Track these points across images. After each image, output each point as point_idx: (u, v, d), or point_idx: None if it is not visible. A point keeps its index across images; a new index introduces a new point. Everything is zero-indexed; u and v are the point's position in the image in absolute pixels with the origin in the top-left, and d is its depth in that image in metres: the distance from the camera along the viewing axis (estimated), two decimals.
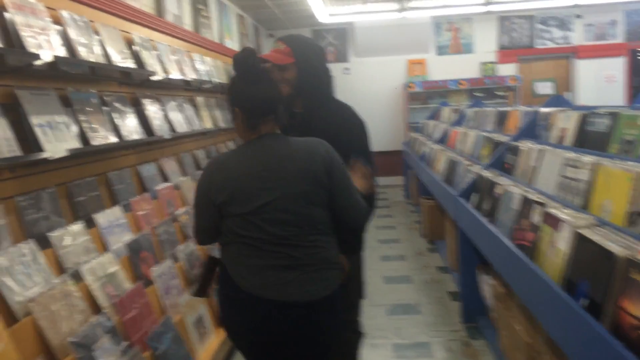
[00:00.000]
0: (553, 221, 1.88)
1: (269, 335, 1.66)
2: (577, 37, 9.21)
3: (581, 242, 1.64)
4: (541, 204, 2.06)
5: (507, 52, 9.32)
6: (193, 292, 2.01)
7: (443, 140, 5.42)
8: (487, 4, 8.14)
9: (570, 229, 1.72)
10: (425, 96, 9.33)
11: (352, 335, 2.28)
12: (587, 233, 1.62)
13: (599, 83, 9.16)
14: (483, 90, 9.12)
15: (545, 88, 9.42)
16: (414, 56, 9.38)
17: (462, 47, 9.39)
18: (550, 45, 9.27)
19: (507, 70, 9.30)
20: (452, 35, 9.37)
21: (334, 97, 2.18)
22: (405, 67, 9.38)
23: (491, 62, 9.35)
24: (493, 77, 9.09)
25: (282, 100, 1.79)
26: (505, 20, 9.27)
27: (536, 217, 2.06)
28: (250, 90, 1.72)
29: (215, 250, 1.88)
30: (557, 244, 1.81)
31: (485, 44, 9.37)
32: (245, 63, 1.72)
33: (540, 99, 9.04)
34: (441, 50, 9.44)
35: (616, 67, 9.15)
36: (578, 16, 9.12)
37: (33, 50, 2.15)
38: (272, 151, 1.70)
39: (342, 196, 1.74)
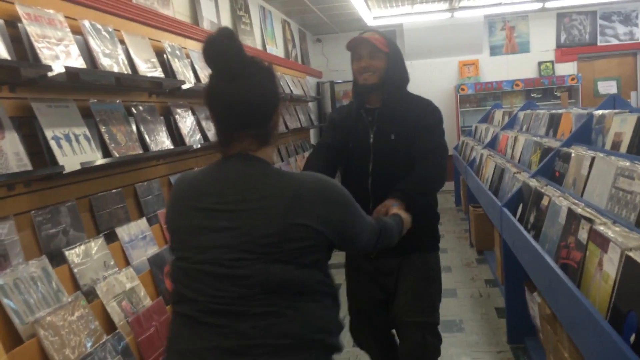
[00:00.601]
0: (601, 240, 1.64)
1: None
2: None
3: (631, 267, 1.41)
4: (588, 219, 1.82)
5: (566, 50, 8.82)
6: None
7: (493, 145, 5.13)
8: (543, 0, 7.73)
9: (619, 250, 1.49)
10: (478, 98, 8.97)
11: (436, 341, 2.17)
12: (637, 256, 1.39)
13: None
14: (540, 90, 8.68)
15: (608, 87, 8.86)
16: (466, 57, 9.03)
17: (517, 47, 8.96)
18: (614, 41, 8.71)
19: (567, 69, 8.81)
20: (506, 34, 8.97)
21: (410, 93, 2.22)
22: (457, 69, 9.05)
23: (549, 62, 8.88)
24: (551, 76, 8.63)
25: (274, 108, 1.30)
26: (564, 17, 8.78)
27: (583, 234, 1.82)
28: (223, 89, 1.24)
29: None
30: (606, 267, 1.57)
31: (543, 43, 8.91)
32: (219, 49, 1.23)
33: (603, 99, 8.51)
34: (495, 51, 9.05)
35: None
36: None
37: (48, 61, 2.11)
38: (236, 178, 1.23)
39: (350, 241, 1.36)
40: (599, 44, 8.75)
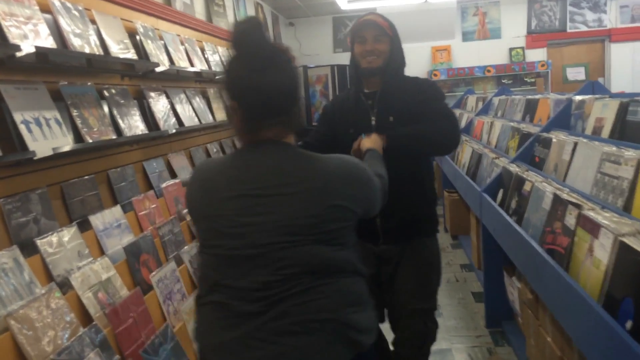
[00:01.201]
0: (591, 226, 1.64)
1: None
2: (612, 19, 8.76)
3: (625, 253, 1.40)
4: (577, 205, 1.81)
5: (536, 36, 8.92)
6: None
7: (468, 130, 5.15)
8: None
9: (612, 237, 1.48)
10: (450, 84, 9.01)
11: (434, 326, 2.17)
12: (632, 243, 1.38)
13: (634, 68, 8.71)
14: (511, 76, 8.77)
15: (577, 74, 9.01)
16: (439, 43, 9.05)
17: (489, 33, 9.02)
18: (583, 28, 8.84)
19: (537, 55, 8.91)
20: (478, 20, 9.01)
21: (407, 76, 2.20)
22: (430, 54, 9.06)
23: (520, 48, 8.97)
24: (522, 63, 8.72)
25: (299, 96, 1.33)
26: (534, 2, 8.87)
27: (571, 219, 1.82)
28: (253, 79, 1.24)
29: None
30: (596, 253, 1.57)
31: (514, 29, 8.99)
32: (249, 38, 1.25)
33: (571, 85, 8.66)
34: (467, 36, 9.09)
35: None
36: None
37: (16, 41, 1.99)
38: (272, 164, 1.26)
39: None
40: (568, 30, 8.88)
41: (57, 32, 2.32)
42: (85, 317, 2.04)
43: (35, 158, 2.00)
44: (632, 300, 1.31)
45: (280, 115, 1.28)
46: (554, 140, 2.59)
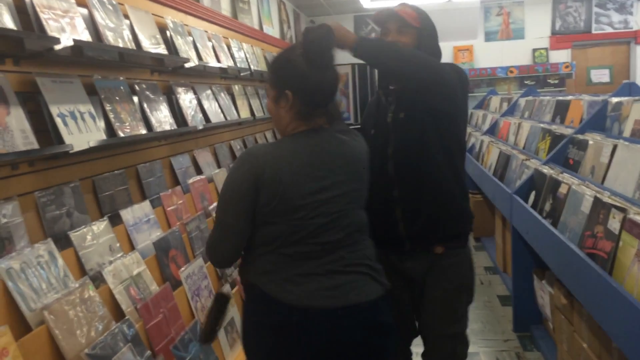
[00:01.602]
0: (638, 230, 1.59)
1: (340, 352, 1.46)
2: (639, 21, 8.61)
3: None
4: (621, 208, 1.77)
5: (560, 37, 8.80)
6: (200, 338, 1.91)
7: (493, 131, 5.09)
8: None
9: None
10: (472, 84, 8.92)
11: (465, 347, 2.02)
12: None
13: None
14: (534, 77, 8.67)
15: (601, 76, 8.88)
16: (461, 42, 8.97)
17: (512, 33, 8.92)
18: (609, 30, 8.71)
19: (561, 56, 8.80)
20: (502, 20, 8.91)
21: None
22: (452, 54, 8.98)
23: (543, 49, 8.85)
24: (545, 64, 8.61)
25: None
26: (559, 3, 8.75)
27: (614, 223, 1.78)
28: (317, 76, 1.49)
29: (226, 287, 1.70)
30: None
31: (538, 30, 8.88)
32: (320, 43, 1.52)
33: (595, 87, 8.53)
34: (490, 36, 9.00)
35: None
36: None
37: (54, 34, 1.99)
38: (329, 147, 1.51)
39: None
40: (593, 31, 8.75)
41: (92, 26, 2.32)
42: (117, 312, 2.04)
43: (71, 152, 1.99)
44: None
45: (327, 105, 1.54)
46: (590, 142, 2.54)
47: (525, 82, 8.62)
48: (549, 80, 8.66)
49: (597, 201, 1.97)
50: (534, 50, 8.86)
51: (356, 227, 1.54)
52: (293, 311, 1.43)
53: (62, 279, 1.88)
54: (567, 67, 8.48)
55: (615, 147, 2.24)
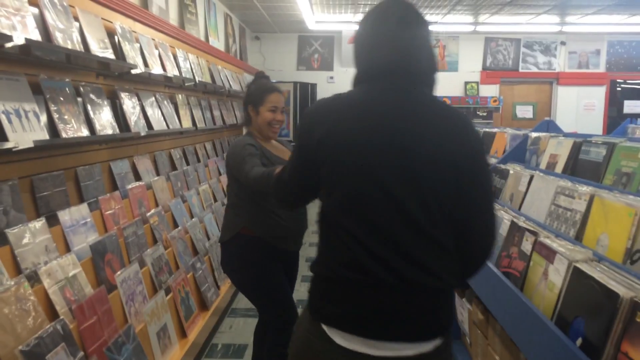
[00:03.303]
0: (547, 252, 1.79)
1: None
2: (561, 63, 9.31)
3: (578, 278, 1.55)
4: (533, 232, 1.97)
5: (490, 73, 9.37)
6: None
7: None
8: (475, 24, 8.16)
9: (567, 262, 1.63)
10: None
11: None
12: (585, 268, 1.53)
13: (578, 110, 9.28)
14: (465, 109, 9.14)
15: (525, 111, 9.50)
16: None
17: (447, 65, 9.40)
18: (534, 69, 9.36)
19: (490, 91, 9.35)
20: (438, 52, 9.38)
21: None
22: None
23: (475, 82, 9.38)
24: (476, 96, 9.12)
25: None
26: (491, 41, 9.32)
27: (527, 245, 1.97)
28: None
29: None
30: (551, 277, 1.72)
31: (470, 64, 9.41)
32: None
33: (519, 122, 9.11)
34: None
35: (596, 96, 9.28)
36: (562, 43, 9.22)
37: (5, 31, 1.99)
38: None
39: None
40: (520, 70, 9.37)
41: (42, 25, 2.33)
42: (51, 312, 2.04)
43: (14, 149, 1.99)
44: (583, 320, 1.46)
45: None
46: (511, 172, 2.78)
47: None
48: (478, 112, 9.16)
49: (513, 225, 2.18)
50: (466, 83, 9.37)
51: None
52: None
53: None
54: (495, 101, 9.01)
55: (531, 177, 2.47)
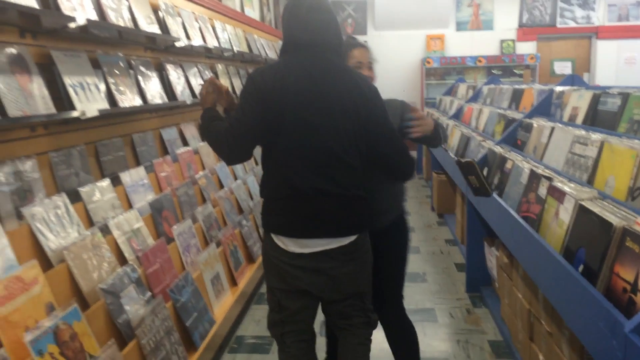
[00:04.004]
0: (558, 194, 1.97)
1: None
2: (600, 17, 9.11)
3: (582, 213, 1.74)
4: (548, 177, 2.14)
5: (527, 30, 9.24)
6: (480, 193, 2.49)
7: (458, 116, 5.47)
8: None
9: (573, 201, 1.81)
10: (442, 72, 9.32)
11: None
12: (588, 205, 1.71)
13: (618, 64, 9.09)
14: (501, 67, 9.10)
15: (564, 68, 9.37)
16: (433, 31, 9.33)
17: (482, 24, 9.32)
18: (572, 24, 9.18)
19: (527, 48, 9.25)
20: (472, 11, 9.30)
21: None
22: (424, 42, 9.35)
23: (511, 40, 9.29)
24: (512, 55, 9.05)
25: None
26: None
27: (543, 190, 2.15)
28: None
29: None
30: (561, 215, 1.90)
31: (506, 21, 9.30)
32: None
33: (558, 78, 9.01)
34: (461, 26, 9.38)
35: (637, 49, 9.05)
36: None
37: (68, 12, 2.25)
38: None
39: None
40: (558, 25, 9.21)
41: (97, 5, 2.58)
42: (121, 258, 2.34)
43: (82, 117, 2.27)
44: (585, 250, 1.65)
45: None
46: (534, 125, 2.92)
47: (493, 71, 9.04)
48: (514, 71, 9.10)
49: (532, 173, 2.35)
50: (502, 41, 9.29)
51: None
52: None
53: (76, 227, 2.18)
54: (532, 58, 8.92)
55: (552, 130, 2.62)
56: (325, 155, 1.75)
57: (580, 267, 1.64)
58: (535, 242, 1.96)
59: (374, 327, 2.06)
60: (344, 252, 1.82)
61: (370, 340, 2.05)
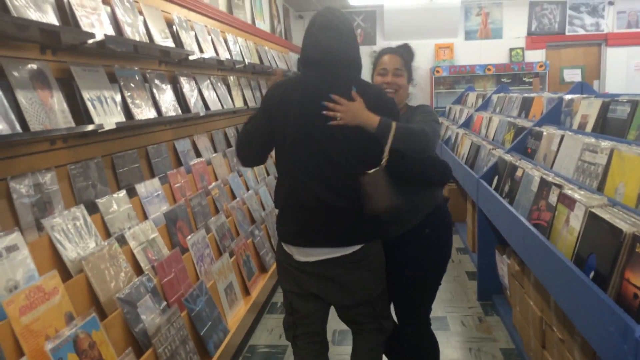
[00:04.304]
0: (569, 201, 1.99)
1: None
2: (609, 24, 9.11)
3: (593, 220, 1.76)
4: (559, 185, 2.16)
5: (536, 38, 9.26)
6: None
7: (468, 124, 5.49)
8: None
9: (584, 208, 1.83)
10: (451, 81, 9.35)
11: None
12: (599, 212, 1.73)
13: (628, 71, 9.08)
14: (510, 75, 9.11)
15: (573, 75, 9.37)
16: (442, 40, 9.38)
17: (491, 32, 9.36)
18: (581, 32, 9.19)
19: (536, 56, 9.26)
20: (481, 19, 9.34)
21: None
22: (433, 51, 9.39)
23: (520, 48, 9.31)
24: (521, 63, 9.06)
25: None
26: (535, 5, 9.20)
27: (553, 197, 2.17)
28: None
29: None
30: (571, 223, 1.92)
31: (515, 30, 9.33)
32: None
33: (567, 86, 9.00)
34: (469, 35, 9.42)
35: None
36: (610, 3, 9.01)
37: (87, 29, 2.32)
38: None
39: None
40: (567, 33, 9.22)
41: (114, 21, 2.65)
42: (137, 268, 2.39)
43: (100, 131, 2.33)
44: (595, 256, 1.67)
45: None
46: (544, 133, 2.94)
47: (502, 79, 9.06)
48: (524, 79, 9.11)
49: (542, 181, 2.37)
50: (511, 49, 9.31)
51: None
52: None
53: (93, 238, 2.23)
54: (541, 66, 8.93)
55: (562, 137, 2.64)
56: (327, 166, 1.80)
57: (591, 274, 1.66)
58: (546, 250, 1.98)
59: (387, 333, 2.09)
60: (350, 261, 1.86)
61: (381, 346, 2.09)
